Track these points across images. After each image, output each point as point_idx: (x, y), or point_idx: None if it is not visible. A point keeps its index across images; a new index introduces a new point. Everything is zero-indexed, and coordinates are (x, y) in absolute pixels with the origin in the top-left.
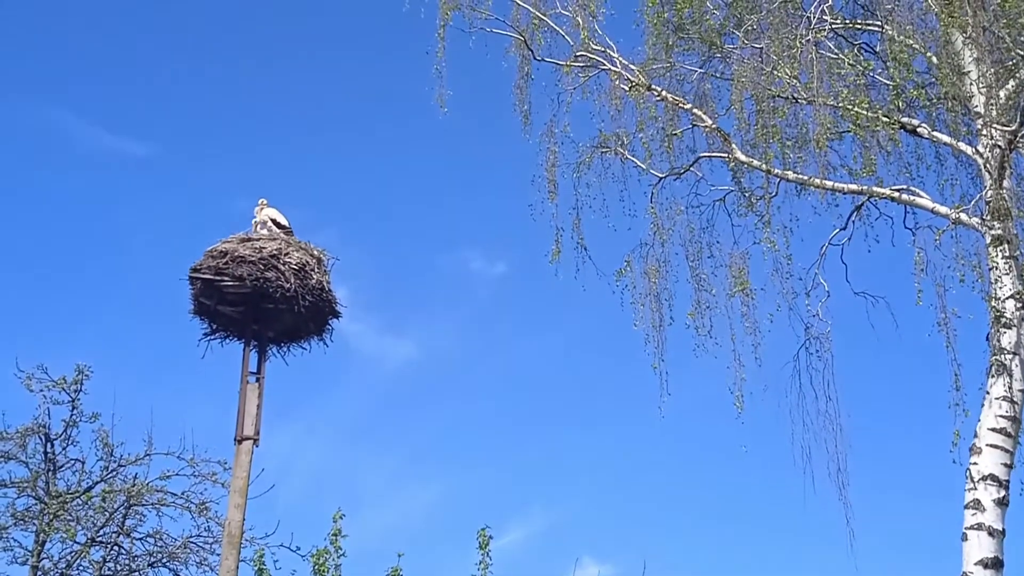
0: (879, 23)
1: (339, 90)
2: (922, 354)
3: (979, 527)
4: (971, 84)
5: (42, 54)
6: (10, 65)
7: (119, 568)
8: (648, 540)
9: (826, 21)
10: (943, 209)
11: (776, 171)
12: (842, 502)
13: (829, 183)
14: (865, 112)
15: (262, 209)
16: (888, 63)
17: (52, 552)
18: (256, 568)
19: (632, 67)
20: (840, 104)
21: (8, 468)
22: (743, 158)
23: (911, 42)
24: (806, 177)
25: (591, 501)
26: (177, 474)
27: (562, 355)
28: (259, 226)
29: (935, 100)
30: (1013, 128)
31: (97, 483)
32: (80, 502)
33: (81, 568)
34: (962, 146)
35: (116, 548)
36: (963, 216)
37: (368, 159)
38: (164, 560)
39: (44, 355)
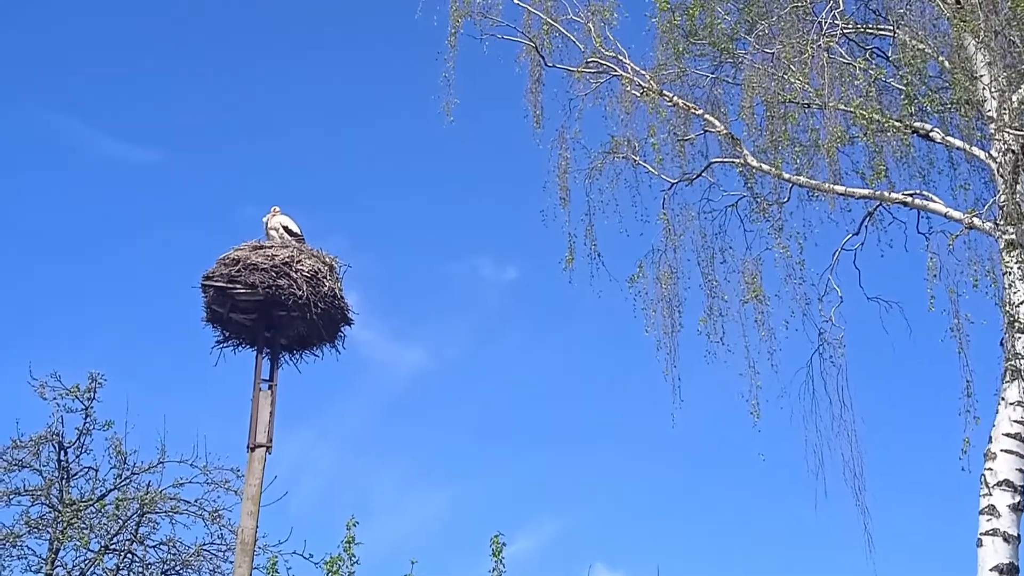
0: (891, 28)
1: (349, 95)
2: (937, 359)
3: (994, 533)
4: (984, 88)
5: (48, 61)
6: (16, 72)
7: None
8: (661, 546)
9: (837, 26)
10: (956, 214)
11: (788, 176)
12: (859, 508)
13: (841, 188)
14: (876, 117)
15: (273, 216)
16: (900, 68)
17: (66, 560)
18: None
19: (643, 73)
20: (852, 109)
21: (22, 476)
22: (755, 163)
23: (923, 47)
24: (818, 182)
25: (604, 507)
26: (190, 482)
27: (573, 361)
28: (270, 230)
29: (948, 105)
30: None
31: (110, 491)
32: (94, 510)
33: None
34: (975, 150)
35: (130, 556)
36: (976, 221)
37: (378, 165)
38: (178, 568)
39: (57, 363)
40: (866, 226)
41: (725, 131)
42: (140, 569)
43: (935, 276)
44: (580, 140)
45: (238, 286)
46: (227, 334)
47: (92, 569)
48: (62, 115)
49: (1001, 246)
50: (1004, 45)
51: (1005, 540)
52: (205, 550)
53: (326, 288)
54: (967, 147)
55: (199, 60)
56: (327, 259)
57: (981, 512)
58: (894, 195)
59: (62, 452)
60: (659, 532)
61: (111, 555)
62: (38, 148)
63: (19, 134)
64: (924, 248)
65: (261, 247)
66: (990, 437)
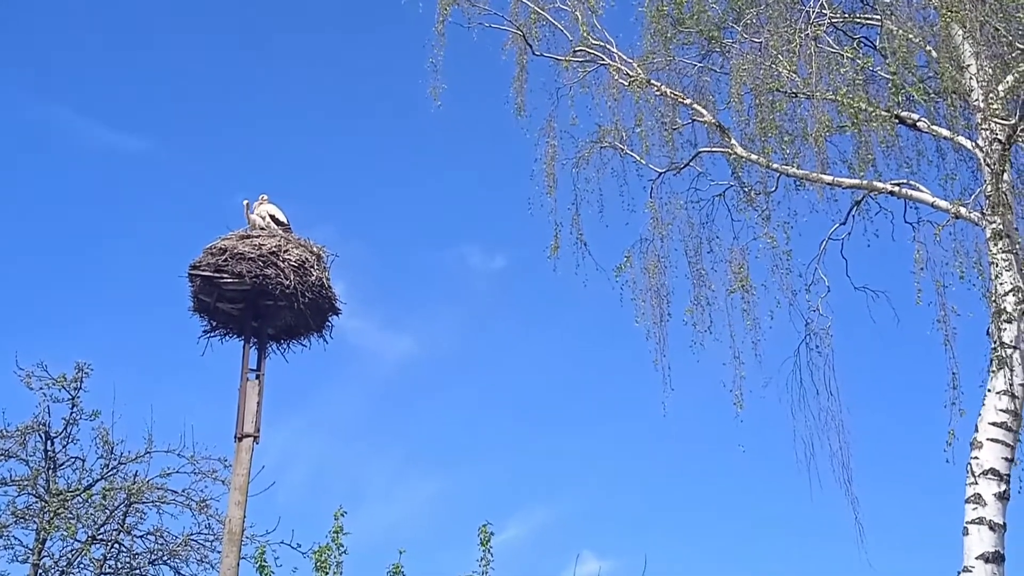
0: (878, 17)
1: (337, 84)
2: (924, 349)
3: (980, 521)
4: (970, 78)
5: (38, 49)
6: (5, 60)
7: (120, 566)
8: (649, 536)
9: (825, 15)
10: (943, 203)
11: (775, 166)
12: (848, 498)
13: (828, 177)
14: (864, 106)
15: (260, 204)
16: (887, 57)
17: (53, 550)
18: (257, 565)
19: (631, 61)
20: (839, 98)
21: (8, 466)
22: (742, 153)
23: (911, 36)
24: (806, 172)
25: (592, 497)
26: (177, 471)
27: (562, 350)
28: (253, 216)
29: (935, 94)
30: (1012, 122)
31: (97, 481)
32: (81, 500)
33: (82, 566)
34: (962, 140)
35: (117, 546)
36: (963, 210)
37: (367, 154)
38: (165, 558)
39: (44, 353)
40: (853, 216)
41: (713, 120)
42: (127, 559)
43: (922, 268)
44: (567, 129)
45: (225, 275)
46: (214, 323)
47: (79, 559)
48: (52, 103)
49: (987, 235)
50: (991, 35)
51: (991, 528)
52: (192, 540)
53: (313, 277)
54: (954, 137)
55: (189, 49)
56: (314, 248)
57: (967, 501)
58: (881, 184)
59: (49, 442)
60: (648, 520)
61: (98, 545)
62: (27, 136)
63: (8, 122)
64: (911, 238)
65: (248, 236)
66: (976, 426)
